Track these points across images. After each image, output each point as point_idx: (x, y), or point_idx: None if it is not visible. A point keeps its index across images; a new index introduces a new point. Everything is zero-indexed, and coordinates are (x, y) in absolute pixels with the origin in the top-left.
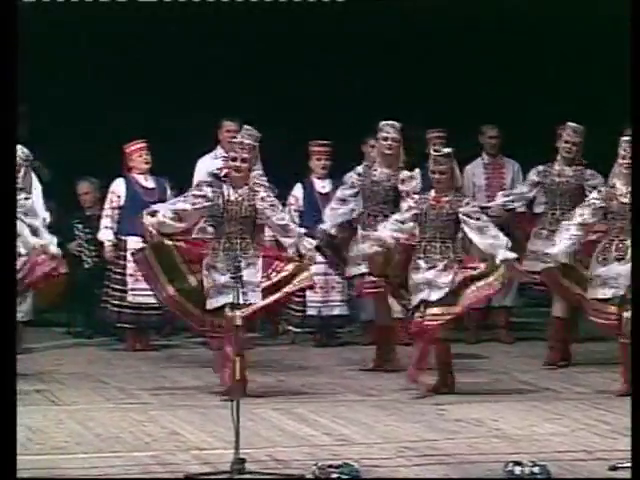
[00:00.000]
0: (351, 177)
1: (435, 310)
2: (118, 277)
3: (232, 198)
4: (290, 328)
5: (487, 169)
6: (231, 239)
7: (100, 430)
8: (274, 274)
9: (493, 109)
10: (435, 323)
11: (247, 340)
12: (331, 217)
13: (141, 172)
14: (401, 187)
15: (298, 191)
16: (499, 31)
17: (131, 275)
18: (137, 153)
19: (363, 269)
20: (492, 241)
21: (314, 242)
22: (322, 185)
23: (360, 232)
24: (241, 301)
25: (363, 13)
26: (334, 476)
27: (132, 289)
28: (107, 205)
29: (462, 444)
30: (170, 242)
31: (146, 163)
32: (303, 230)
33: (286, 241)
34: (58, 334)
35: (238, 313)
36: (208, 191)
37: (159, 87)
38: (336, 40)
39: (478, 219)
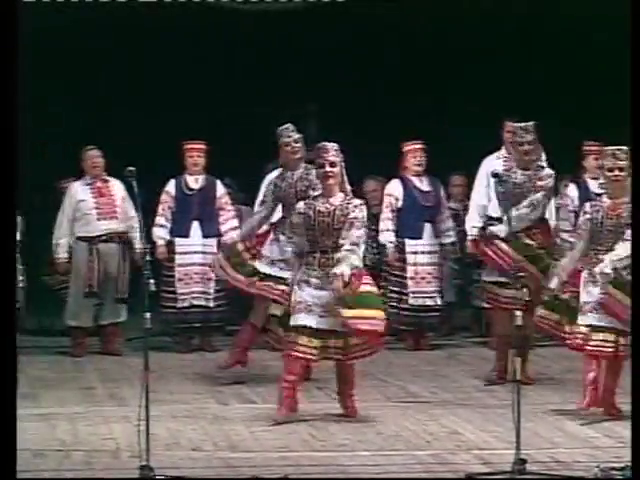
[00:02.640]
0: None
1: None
2: (397, 280)
3: (323, 209)
4: None
5: None
6: (326, 253)
7: (381, 428)
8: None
9: None
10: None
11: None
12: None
13: (415, 174)
14: (539, 183)
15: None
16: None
17: (412, 278)
18: (412, 154)
19: None
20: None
21: (347, 272)
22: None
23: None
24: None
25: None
26: (617, 478)
27: (413, 292)
28: (385, 208)
29: None
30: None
31: (419, 165)
32: (354, 257)
33: (338, 263)
34: None
35: (518, 313)
36: (302, 206)
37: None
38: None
39: None
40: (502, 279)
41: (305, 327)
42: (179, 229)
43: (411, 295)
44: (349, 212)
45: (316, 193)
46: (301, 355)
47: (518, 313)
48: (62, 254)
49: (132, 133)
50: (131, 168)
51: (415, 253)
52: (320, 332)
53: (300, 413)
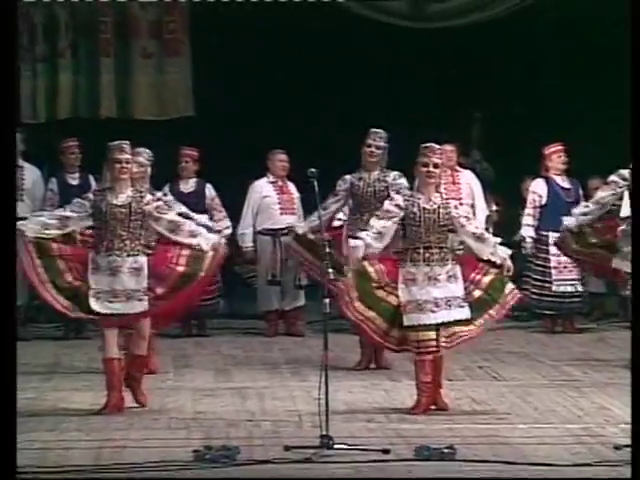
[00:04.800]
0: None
1: None
2: (540, 269)
3: (427, 206)
4: None
5: None
6: (430, 249)
7: (537, 403)
8: (473, 287)
9: None
10: None
11: None
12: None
13: (558, 173)
14: None
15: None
16: None
17: (555, 267)
18: (556, 154)
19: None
20: None
21: (509, 251)
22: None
23: None
24: (450, 318)
25: None
26: None
27: (556, 280)
28: (529, 204)
29: None
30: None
31: (563, 164)
32: (498, 239)
33: (482, 251)
34: None
35: None
36: (400, 200)
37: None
38: None
39: None
40: None
41: (420, 325)
42: None
43: (554, 283)
44: (451, 210)
45: (406, 192)
46: (424, 350)
47: None
48: (248, 243)
49: (311, 137)
50: (313, 169)
51: None
52: (433, 325)
53: (464, 388)
